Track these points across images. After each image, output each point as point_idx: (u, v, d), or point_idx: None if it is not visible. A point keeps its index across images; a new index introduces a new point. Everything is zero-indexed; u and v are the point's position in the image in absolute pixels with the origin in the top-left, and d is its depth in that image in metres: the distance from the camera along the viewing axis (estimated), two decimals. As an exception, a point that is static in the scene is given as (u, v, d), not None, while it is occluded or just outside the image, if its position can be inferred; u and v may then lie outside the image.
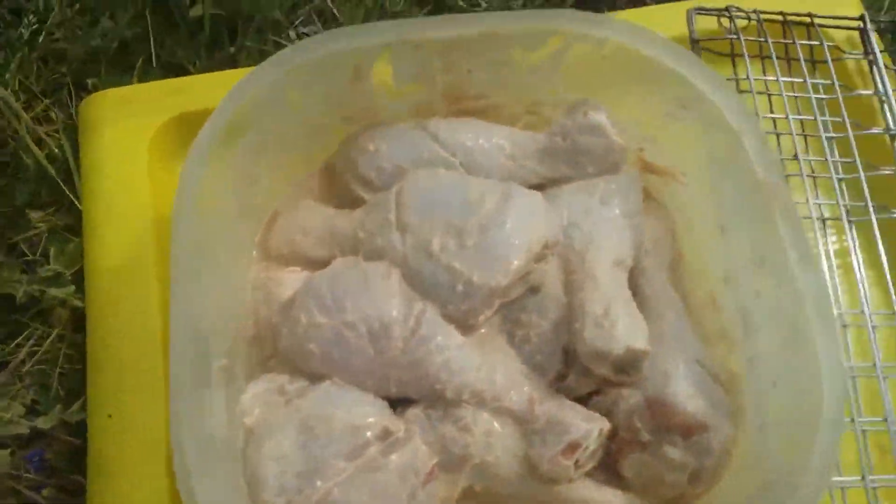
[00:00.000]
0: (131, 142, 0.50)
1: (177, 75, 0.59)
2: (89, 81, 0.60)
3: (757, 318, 0.38)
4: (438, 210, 0.38)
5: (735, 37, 0.52)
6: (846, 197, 0.48)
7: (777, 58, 0.51)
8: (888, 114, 0.51)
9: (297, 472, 0.33)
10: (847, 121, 0.50)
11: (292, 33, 0.63)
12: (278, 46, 0.61)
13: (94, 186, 0.49)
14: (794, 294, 0.34)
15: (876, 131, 0.50)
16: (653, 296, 0.41)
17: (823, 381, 0.32)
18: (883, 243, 0.46)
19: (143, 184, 0.48)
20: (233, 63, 0.60)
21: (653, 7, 0.59)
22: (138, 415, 0.42)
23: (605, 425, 0.37)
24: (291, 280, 0.41)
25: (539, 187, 0.42)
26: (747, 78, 0.50)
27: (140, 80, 0.59)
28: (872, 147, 0.50)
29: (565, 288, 0.39)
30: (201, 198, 0.37)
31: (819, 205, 0.48)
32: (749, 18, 0.53)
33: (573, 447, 0.36)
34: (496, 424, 0.37)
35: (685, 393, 0.36)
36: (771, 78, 0.51)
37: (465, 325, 0.37)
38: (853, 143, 0.49)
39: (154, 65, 0.61)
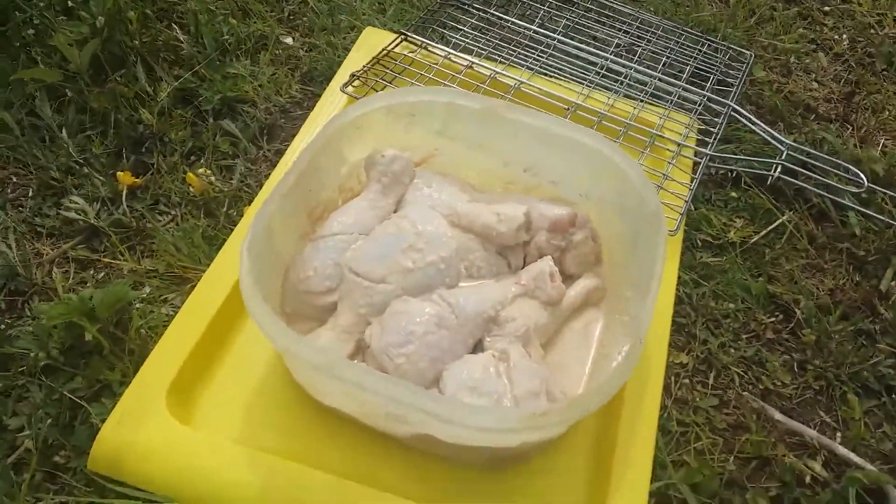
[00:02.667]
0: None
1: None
2: None
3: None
4: (385, 254, 0.58)
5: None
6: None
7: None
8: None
9: (492, 403, 0.50)
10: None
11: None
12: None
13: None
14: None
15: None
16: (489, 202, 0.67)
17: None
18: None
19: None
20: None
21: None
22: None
23: (549, 257, 0.61)
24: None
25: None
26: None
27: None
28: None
29: (465, 231, 0.61)
30: None
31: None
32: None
33: (552, 275, 0.60)
34: (519, 305, 0.58)
35: (555, 210, 0.62)
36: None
37: (456, 283, 0.59)
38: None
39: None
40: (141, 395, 0.55)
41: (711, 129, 0.85)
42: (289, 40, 1.06)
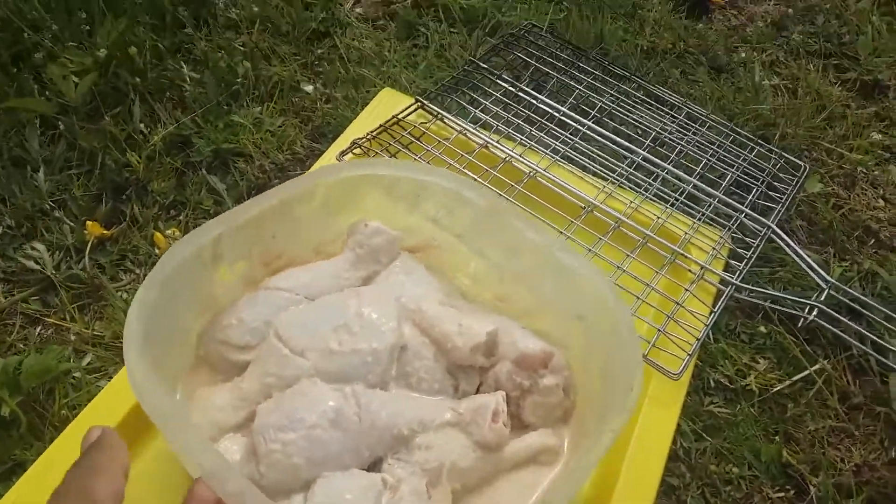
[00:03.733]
0: None
1: None
2: None
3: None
4: (317, 326, 0.51)
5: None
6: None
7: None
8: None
9: None
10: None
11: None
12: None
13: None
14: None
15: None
16: (468, 312, 0.58)
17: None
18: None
19: None
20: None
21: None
22: None
23: (502, 393, 0.52)
24: (233, 443, 0.48)
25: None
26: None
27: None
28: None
29: (422, 334, 0.54)
30: None
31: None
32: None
33: (495, 414, 0.50)
34: (444, 434, 0.49)
35: (530, 342, 0.54)
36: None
37: (383, 385, 0.50)
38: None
39: None
40: (41, 482, 0.49)
41: (744, 254, 0.74)
42: (309, 88, 1.01)
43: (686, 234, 0.75)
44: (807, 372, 0.76)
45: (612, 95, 0.94)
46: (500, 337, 0.54)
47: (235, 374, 0.52)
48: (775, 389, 0.75)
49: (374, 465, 0.48)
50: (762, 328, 0.79)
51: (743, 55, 1.14)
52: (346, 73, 1.03)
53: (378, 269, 0.58)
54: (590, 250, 0.71)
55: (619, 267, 0.71)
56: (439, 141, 0.78)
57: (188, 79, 0.96)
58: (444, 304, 0.56)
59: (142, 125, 0.91)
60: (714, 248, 0.75)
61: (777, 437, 0.71)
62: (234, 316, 0.53)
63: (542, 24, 1.09)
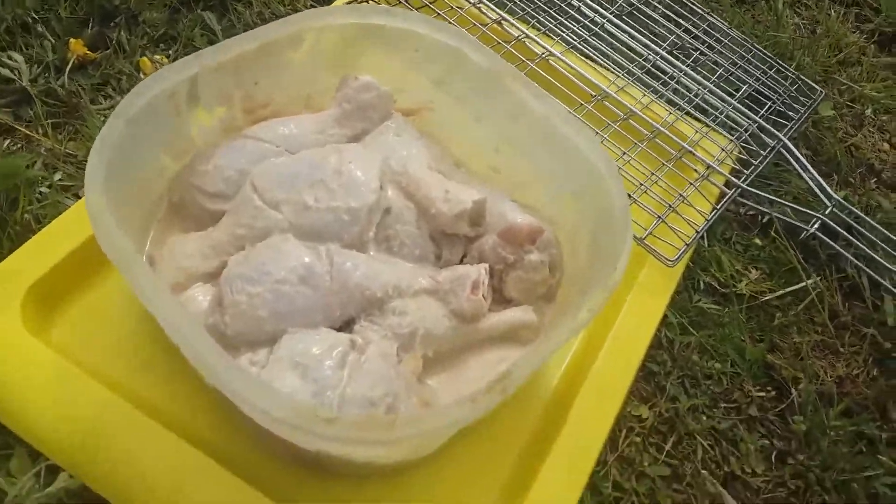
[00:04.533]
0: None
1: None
2: None
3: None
4: (294, 180, 0.48)
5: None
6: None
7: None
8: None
9: (312, 392, 0.41)
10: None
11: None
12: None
13: None
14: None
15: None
16: (459, 181, 0.55)
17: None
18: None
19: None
20: None
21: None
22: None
23: (485, 266, 0.50)
24: (201, 292, 0.47)
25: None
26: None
27: None
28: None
29: (407, 198, 0.52)
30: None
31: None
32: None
33: (475, 285, 0.48)
34: (420, 301, 0.48)
35: (519, 216, 0.51)
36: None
37: (361, 246, 0.48)
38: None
39: None
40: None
41: (752, 162, 0.71)
42: None
43: (695, 135, 0.73)
44: (800, 285, 0.74)
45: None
46: (489, 207, 0.52)
47: (208, 223, 0.50)
48: (765, 298, 0.73)
49: (345, 326, 0.46)
50: (758, 240, 0.77)
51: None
52: None
53: (367, 127, 0.55)
54: (597, 133, 0.67)
55: (625, 154, 0.68)
56: (452, 8, 0.73)
57: None
58: (434, 170, 0.54)
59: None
60: (723, 151, 0.73)
61: (762, 343, 0.70)
62: (211, 162, 0.50)
63: None
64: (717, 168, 0.69)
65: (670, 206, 0.65)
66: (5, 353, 0.47)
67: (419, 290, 0.48)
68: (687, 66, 0.80)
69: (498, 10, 0.74)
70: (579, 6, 0.81)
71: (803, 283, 0.74)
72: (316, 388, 0.41)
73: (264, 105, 0.54)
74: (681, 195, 0.66)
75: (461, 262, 0.52)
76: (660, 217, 0.63)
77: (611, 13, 0.83)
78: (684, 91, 0.78)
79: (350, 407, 0.40)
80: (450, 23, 0.69)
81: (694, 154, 0.70)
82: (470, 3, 0.75)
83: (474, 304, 0.48)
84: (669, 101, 0.77)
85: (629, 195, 0.50)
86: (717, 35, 0.89)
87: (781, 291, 0.74)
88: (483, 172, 0.57)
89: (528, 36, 0.72)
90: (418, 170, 0.52)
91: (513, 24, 0.74)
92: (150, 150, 0.48)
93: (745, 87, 0.84)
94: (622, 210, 0.46)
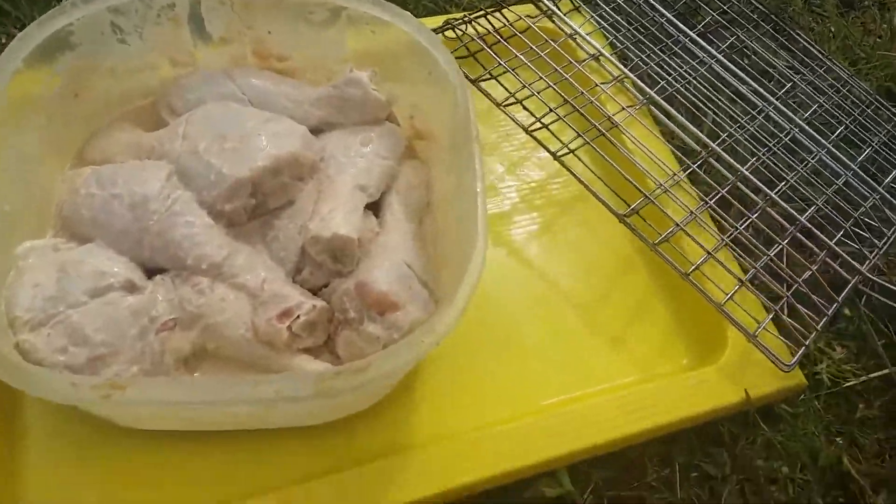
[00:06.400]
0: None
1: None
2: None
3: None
4: (216, 126, 0.48)
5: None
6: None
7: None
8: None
9: (47, 296, 0.41)
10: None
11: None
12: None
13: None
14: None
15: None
16: (390, 221, 0.49)
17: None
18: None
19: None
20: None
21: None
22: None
23: (320, 303, 0.45)
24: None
25: (317, 130, 0.52)
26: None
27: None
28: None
29: (310, 200, 0.48)
30: (15, 99, 0.45)
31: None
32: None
33: (286, 314, 0.43)
34: (231, 294, 0.44)
35: (384, 279, 0.44)
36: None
37: (218, 212, 0.46)
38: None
39: None
40: None
41: (864, 234, 0.60)
42: None
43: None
44: (887, 371, 0.60)
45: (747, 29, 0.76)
46: (377, 253, 0.46)
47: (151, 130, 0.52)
48: (848, 384, 0.59)
49: (153, 274, 0.45)
50: (847, 310, 0.63)
51: (881, -8, 0.88)
52: None
53: (343, 121, 0.52)
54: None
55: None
56: (546, 41, 0.63)
57: None
58: (363, 193, 0.49)
59: None
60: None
61: (840, 439, 0.57)
62: (186, 80, 0.52)
63: None
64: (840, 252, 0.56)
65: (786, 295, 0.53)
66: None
67: (238, 284, 0.44)
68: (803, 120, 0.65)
69: (595, 44, 0.64)
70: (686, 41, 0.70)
71: (890, 369, 0.59)
72: (55, 295, 0.41)
73: (280, 58, 0.54)
74: (796, 281, 0.53)
75: (319, 289, 0.47)
76: (775, 309, 0.52)
77: (721, 51, 0.70)
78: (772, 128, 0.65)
79: (56, 332, 0.40)
80: (541, 56, 0.61)
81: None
82: (566, 34, 0.67)
83: (270, 330, 0.43)
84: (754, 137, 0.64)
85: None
86: (838, 84, 0.74)
87: (866, 377, 0.60)
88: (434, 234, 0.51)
89: (627, 76, 0.63)
90: (340, 181, 0.48)
91: (610, 61, 0.64)
92: (137, 45, 0.51)
93: (866, 149, 0.68)
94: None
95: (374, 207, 0.50)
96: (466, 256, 0.40)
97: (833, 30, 0.85)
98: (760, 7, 0.79)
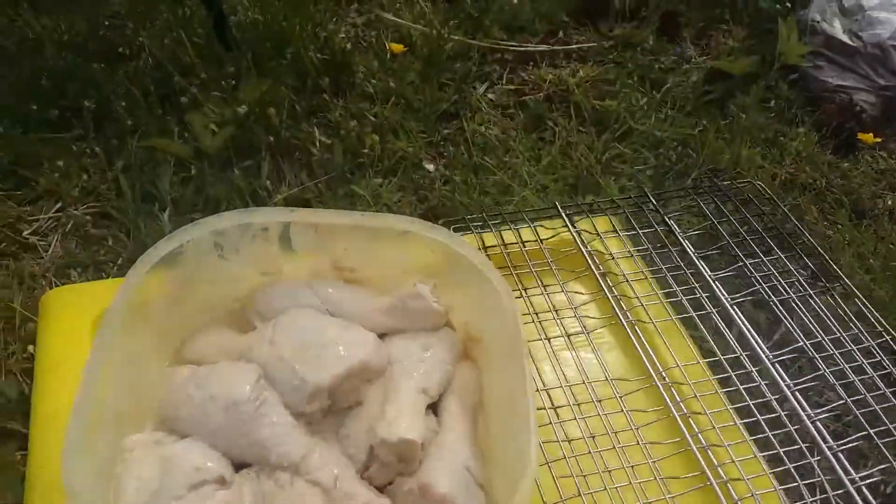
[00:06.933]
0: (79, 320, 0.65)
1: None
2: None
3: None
4: (299, 334, 0.55)
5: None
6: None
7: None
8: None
9: (152, 490, 0.46)
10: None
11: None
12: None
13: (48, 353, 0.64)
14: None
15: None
16: (448, 421, 0.55)
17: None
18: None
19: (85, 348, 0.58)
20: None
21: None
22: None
23: (386, 502, 0.49)
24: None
25: (385, 335, 0.60)
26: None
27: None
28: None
29: (376, 402, 0.54)
30: (133, 307, 0.53)
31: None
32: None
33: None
34: (308, 490, 0.49)
35: (445, 481, 0.49)
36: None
37: (299, 413, 0.52)
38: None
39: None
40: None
41: None
42: (430, 167, 1.00)
43: None
44: None
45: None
46: (438, 455, 0.51)
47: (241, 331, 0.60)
48: None
49: (242, 466, 0.51)
50: None
51: (889, 203, 1.00)
52: (468, 158, 1.00)
53: (408, 327, 0.59)
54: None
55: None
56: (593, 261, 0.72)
57: (318, 143, 0.98)
58: (425, 396, 0.55)
59: (268, 182, 0.93)
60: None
61: None
62: (272, 288, 0.61)
63: (676, 137, 1.03)
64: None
65: None
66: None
67: (313, 480, 0.49)
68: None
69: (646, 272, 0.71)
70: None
71: None
72: (158, 488, 0.46)
73: (352, 270, 0.62)
74: None
75: (384, 486, 0.52)
76: None
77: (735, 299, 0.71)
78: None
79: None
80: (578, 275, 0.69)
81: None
82: (608, 255, 0.75)
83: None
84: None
85: None
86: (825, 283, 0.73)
87: None
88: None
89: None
90: (405, 385, 0.54)
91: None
92: (234, 259, 0.59)
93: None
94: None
95: (433, 406, 0.56)
96: (518, 458, 0.45)
97: (847, 237, 0.93)
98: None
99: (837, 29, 1.15)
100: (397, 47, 1.11)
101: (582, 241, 0.75)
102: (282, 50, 1.05)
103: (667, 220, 0.78)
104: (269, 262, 0.62)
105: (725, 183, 0.86)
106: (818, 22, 1.16)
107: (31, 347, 0.68)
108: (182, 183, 0.92)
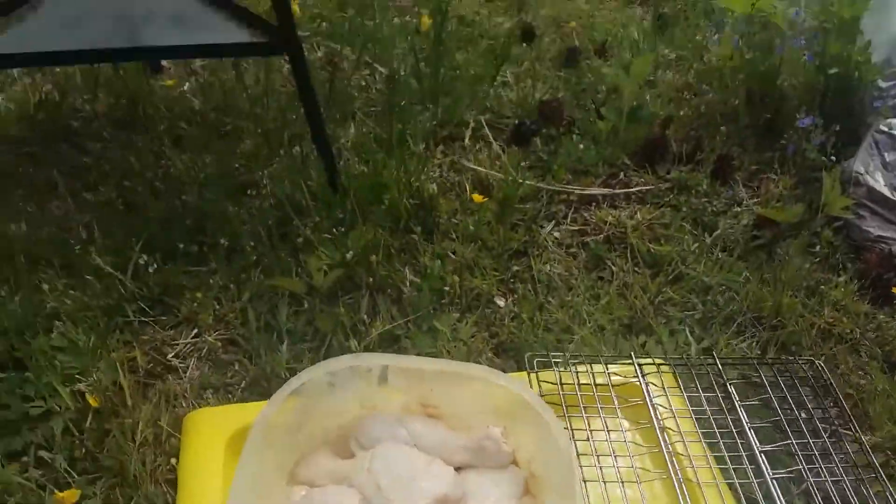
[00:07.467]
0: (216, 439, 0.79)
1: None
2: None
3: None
4: (392, 466, 0.68)
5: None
6: None
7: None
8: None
9: None
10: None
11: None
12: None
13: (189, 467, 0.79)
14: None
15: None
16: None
17: None
18: None
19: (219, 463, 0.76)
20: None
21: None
22: None
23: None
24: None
25: (461, 468, 0.72)
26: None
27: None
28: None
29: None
30: (265, 432, 0.68)
31: None
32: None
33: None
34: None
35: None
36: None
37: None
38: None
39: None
40: None
41: None
42: (501, 302, 1.08)
43: None
44: None
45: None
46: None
47: (348, 457, 0.73)
48: None
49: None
50: None
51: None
52: (535, 297, 1.08)
53: (481, 464, 0.71)
54: None
55: None
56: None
57: (408, 283, 1.08)
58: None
59: (365, 316, 1.03)
60: None
61: None
62: (369, 421, 0.74)
63: (723, 282, 1.09)
64: None
65: None
66: None
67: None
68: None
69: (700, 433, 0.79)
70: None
71: None
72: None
73: (435, 406, 0.75)
74: None
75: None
76: None
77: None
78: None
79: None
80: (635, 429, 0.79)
81: None
82: (672, 413, 0.82)
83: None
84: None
85: None
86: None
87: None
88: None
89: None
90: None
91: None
92: (342, 395, 0.74)
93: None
94: None
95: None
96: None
97: (878, 388, 0.96)
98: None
99: (879, 182, 1.23)
100: (478, 198, 1.23)
101: (649, 394, 0.83)
102: (380, 195, 1.20)
103: (728, 386, 0.85)
104: (368, 397, 0.76)
105: (789, 359, 0.94)
106: (861, 174, 1.25)
107: (173, 460, 0.82)
108: (295, 315, 1.03)
